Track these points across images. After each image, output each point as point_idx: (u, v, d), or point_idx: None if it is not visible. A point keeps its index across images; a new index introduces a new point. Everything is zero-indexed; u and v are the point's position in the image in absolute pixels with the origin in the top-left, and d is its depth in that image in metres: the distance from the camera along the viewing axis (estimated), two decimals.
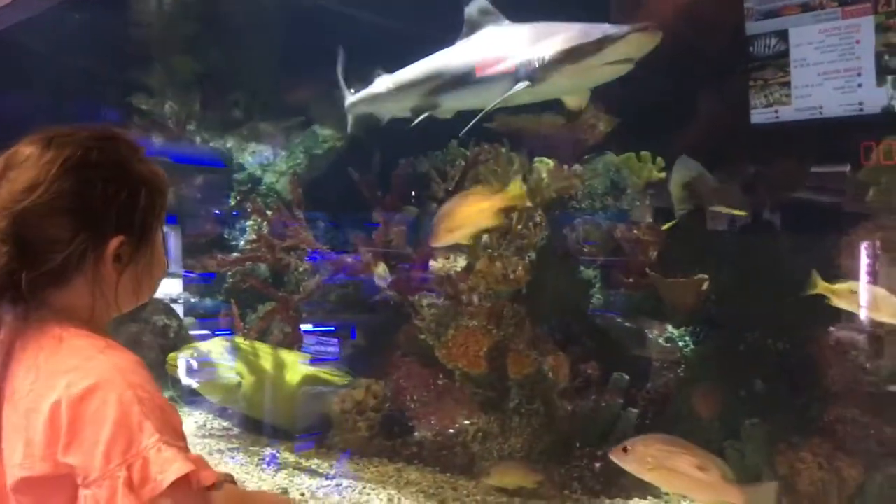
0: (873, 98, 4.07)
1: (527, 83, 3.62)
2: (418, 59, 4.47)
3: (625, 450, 2.85)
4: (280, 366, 4.65)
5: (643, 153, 4.37)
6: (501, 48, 3.88)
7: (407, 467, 4.22)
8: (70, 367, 1.28)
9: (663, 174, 4.34)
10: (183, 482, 1.19)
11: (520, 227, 4.05)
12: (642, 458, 2.81)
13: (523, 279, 3.92)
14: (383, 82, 4.73)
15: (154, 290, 1.58)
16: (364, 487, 3.96)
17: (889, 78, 4.03)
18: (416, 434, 4.33)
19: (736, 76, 4.47)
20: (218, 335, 4.99)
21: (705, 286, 4.08)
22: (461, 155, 4.26)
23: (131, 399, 1.23)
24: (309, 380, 4.64)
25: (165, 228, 1.57)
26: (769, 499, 2.83)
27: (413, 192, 4.59)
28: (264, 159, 5.66)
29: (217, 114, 5.76)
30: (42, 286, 1.35)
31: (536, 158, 4.35)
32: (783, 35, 4.32)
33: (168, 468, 1.19)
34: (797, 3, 4.30)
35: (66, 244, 1.34)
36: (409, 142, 5.39)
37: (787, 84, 4.31)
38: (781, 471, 3.54)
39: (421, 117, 4.26)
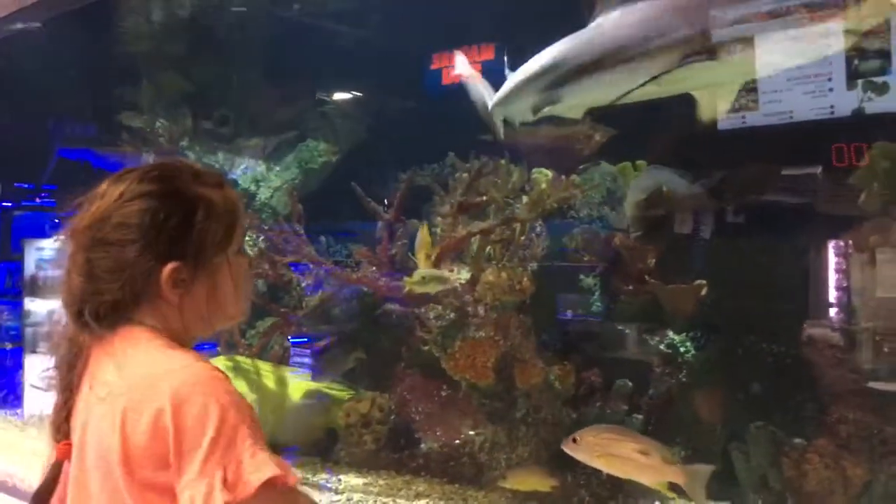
0: (844, 101, 4.18)
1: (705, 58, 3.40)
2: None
3: (574, 440, 3.12)
4: (282, 382, 4.65)
5: (638, 162, 4.43)
6: (660, 21, 3.58)
7: (415, 479, 4.24)
8: (168, 371, 1.35)
9: None
10: (271, 483, 1.27)
11: (522, 238, 4.10)
12: (590, 447, 3.10)
13: (529, 289, 3.96)
14: (518, 77, 4.46)
15: (230, 315, 1.59)
16: (375, 501, 3.98)
17: (859, 81, 4.14)
18: (422, 446, 4.35)
19: None
20: (202, 350, 4.97)
21: (704, 291, 4.16)
22: (463, 167, 4.28)
23: (228, 404, 1.30)
24: (312, 395, 4.65)
25: None
26: (704, 477, 3.13)
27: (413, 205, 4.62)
28: (258, 175, 5.66)
29: (208, 130, 5.75)
30: (115, 310, 1.43)
31: (535, 169, 4.40)
32: (750, 41, 4.42)
33: (262, 468, 1.27)
34: (765, 10, 4.40)
35: (127, 272, 1.42)
36: (401, 155, 5.45)
37: (755, 90, 4.40)
38: (788, 472, 3.60)
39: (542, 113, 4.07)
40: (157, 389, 1.31)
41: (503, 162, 4.29)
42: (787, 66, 4.21)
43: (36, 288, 6.83)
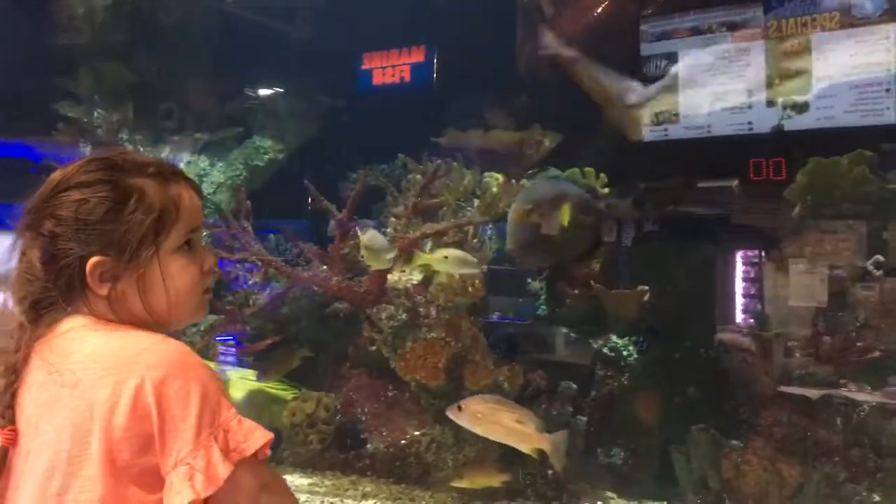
0: (763, 118, 4.38)
1: None
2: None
3: (459, 408, 3.32)
4: (224, 382, 4.57)
5: (587, 169, 4.53)
6: None
7: (361, 479, 4.24)
8: (140, 351, 1.32)
9: (607, 189, 4.51)
10: (261, 450, 1.30)
11: (475, 241, 4.15)
12: (473, 415, 3.31)
13: (480, 291, 4.01)
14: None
15: (167, 317, 1.49)
16: (322, 501, 3.95)
17: (779, 100, 4.34)
18: (368, 446, 4.34)
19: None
20: None
21: (646, 297, 4.29)
22: (417, 169, 4.31)
23: (206, 377, 1.30)
24: (255, 395, 4.59)
25: None
26: (563, 444, 3.42)
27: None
28: (200, 170, 5.54)
29: (150, 123, 5.60)
30: (47, 303, 1.41)
31: (486, 173, 4.46)
32: (673, 57, 4.60)
33: (252, 436, 1.28)
34: (687, 27, 4.58)
35: (68, 266, 1.39)
36: (348, 154, 5.45)
37: (676, 104, 4.58)
38: (727, 473, 3.75)
39: None
40: (131, 369, 1.29)
41: (456, 165, 4.33)
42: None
43: None
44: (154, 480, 1.28)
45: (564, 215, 3.63)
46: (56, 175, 1.44)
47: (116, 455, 1.28)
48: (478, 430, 3.38)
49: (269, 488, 1.36)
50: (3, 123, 6.63)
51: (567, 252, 4.11)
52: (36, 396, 1.37)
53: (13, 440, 1.38)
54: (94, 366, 1.32)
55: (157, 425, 1.26)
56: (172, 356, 1.32)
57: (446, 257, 3.77)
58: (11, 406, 1.39)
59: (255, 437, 1.29)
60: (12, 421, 1.39)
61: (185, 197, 1.48)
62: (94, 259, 1.38)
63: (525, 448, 3.38)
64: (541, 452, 3.37)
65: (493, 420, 3.31)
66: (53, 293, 1.39)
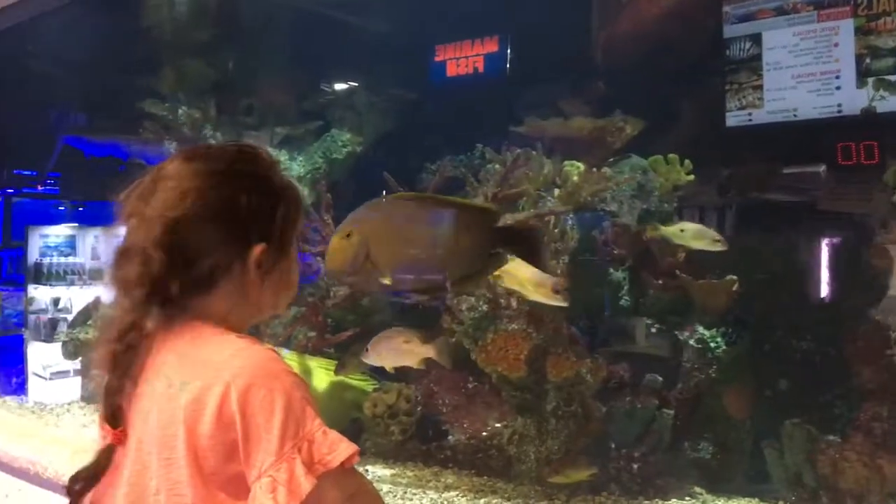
0: (853, 100, 4.18)
1: None
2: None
3: (367, 350, 3.82)
4: (307, 373, 4.61)
5: (671, 156, 4.42)
6: None
7: (443, 471, 4.23)
8: (227, 358, 1.33)
9: (691, 176, 4.39)
10: (347, 462, 1.29)
11: (555, 230, 4.08)
12: (377, 352, 3.81)
13: (562, 282, 3.93)
14: None
15: (291, 299, 1.62)
16: (404, 492, 3.95)
17: (869, 80, 4.14)
18: (450, 438, 4.34)
19: (714, 79, 4.61)
20: None
21: (736, 287, 4.16)
22: (496, 159, 4.26)
23: (291, 385, 1.30)
24: (336, 386, 4.62)
25: None
26: (445, 343, 3.84)
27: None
28: (281, 164, 5.62)
29: (231, 119, 5.72)
30: (190, 291, 1.41)
31: (566, 162, 4.39)
32: (757, 39, 4.43)
33: (336, 448, 1.28)
34: (772, 7, 4.40)
35: (215, 251, 1.41)
36: (426, 145, 5.45)
37: (760, 87, 4.42)
38: (823, 470, 3.60)
39: None
40: (218, 377, 1.30)
41: (535, 154, 4.27)
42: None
43: (40, 275, 6.78)
44: (241, 487, 1.28)
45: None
46: (190, 164, 1.45)
47: (203, 462, 1.29)
48: (386, 365, 3.94)
49: (357, 499, 1.35)
50: (90, 123, 6.88)
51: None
52: (143, 394, 1.39)
53: (122, 440, 1.40)
54: (182, 374, 1.34)
55: (242, 434, 1.27)
56: (258, 363, 1.32)
57: (683, 230, 3.73)
58: (121, 406, 1.40)
59: (340, 449, 1.29)
60: (122, 421, 1.39)
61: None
62: (260, 246, 1.43)
63: (416, 363, 3.81)
64: (430, 360, 3.81)
65: (390, 349, 3.77)
66: (173, 289, 1.38)
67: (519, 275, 3.46)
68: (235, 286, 1.44)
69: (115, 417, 1.39)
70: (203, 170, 1.44)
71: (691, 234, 3.93)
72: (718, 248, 3.92)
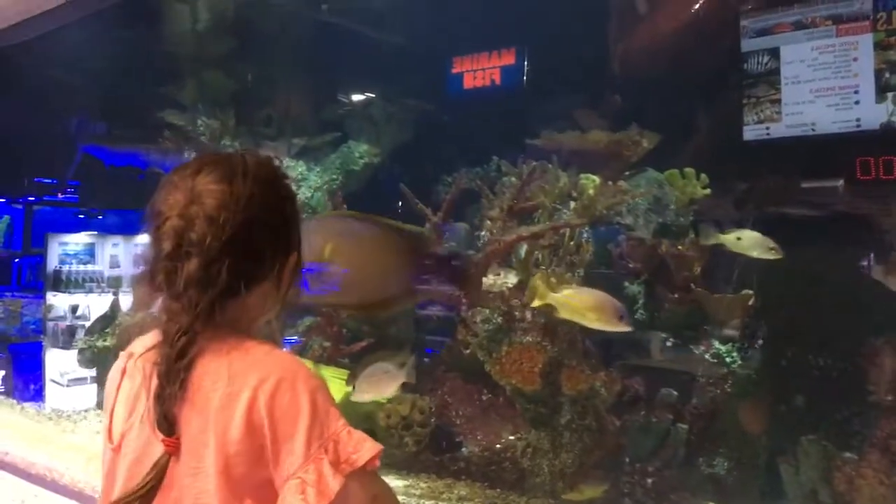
0: (872, 115, 4.16)
1: None
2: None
3: (353, 388, 3.92)
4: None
5: (687, 170, 4.42)
6: None
7: (456, 483, 4.22)
8: (250, 365, 1.33)
9: (707, 190, 4.38)
10: (370, 463, 1.29)
11: (571, 243, 4.08)
12: (362, 391, 3.91)
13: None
14: None
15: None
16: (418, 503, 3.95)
17: (889, 95, 4.12)
18: (463, 449, 4.33)
19: (732, 93, 4.60)
20: None
21: (751, 301, 4.14)
22: (512, 171, 4.27)
23: (315, 387, 1.31)
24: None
25: None
26: (410, 366, 3.91)
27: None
28: (297, 174, 5.66)
29: (250, 129, 5.76)
30: (230, 302, 1.39)
31: (582, 175, 4.39)
32: (775, 53, 4.42)
33: (361, 447, 1.29)
34: (790, 21, 4.39)
35: (268, 257, 1.42)
36: (443, 157, 5.47)
37: (778, 101, 4.41)
38: (839, 487, 3.57)
39: None
40: (245, 383, 1.30)
41: (551, 167, 4.28)
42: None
43: (59, 282, 6.82)
44: (269, 493, 1.29)
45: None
46: (222, 173, 1.40)
47: (232, 469, 1.29)
48: (373, 398, 4.04)
49: (379, 500, 1.36)
50: (110, 132, 6.95)
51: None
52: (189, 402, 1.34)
53: (175, 450, 1.33)
54: (212, 376, 1.33)
55: (270, 438, 1.28)
56: (283, 368, 1.33)
57: (739, 238, 3.71)
58: (171, 413, 1.33)
59: (365, 448, 1.30)
60: (173, 431, 1.33)
61: None
62: (294, 254, 1.46)
63: (396, 390, 3.99)
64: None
65: (373, 384, 3.87)
66: (233, 291, 1.36)
67: (573, 304, 3.39)
68: (264, 292, 1.44)
69: (169, 424, 1.33)
70: (246, 184, 1.40)
71: (748, 243, 3.87)
72: (772, 255, 3.84)
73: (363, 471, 1.29)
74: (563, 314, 3.49)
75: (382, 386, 3.90)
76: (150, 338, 1.44)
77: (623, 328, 3.40)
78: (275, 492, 1.29)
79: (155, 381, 1.35)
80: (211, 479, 1.29)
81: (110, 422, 1.46)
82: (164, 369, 1.35)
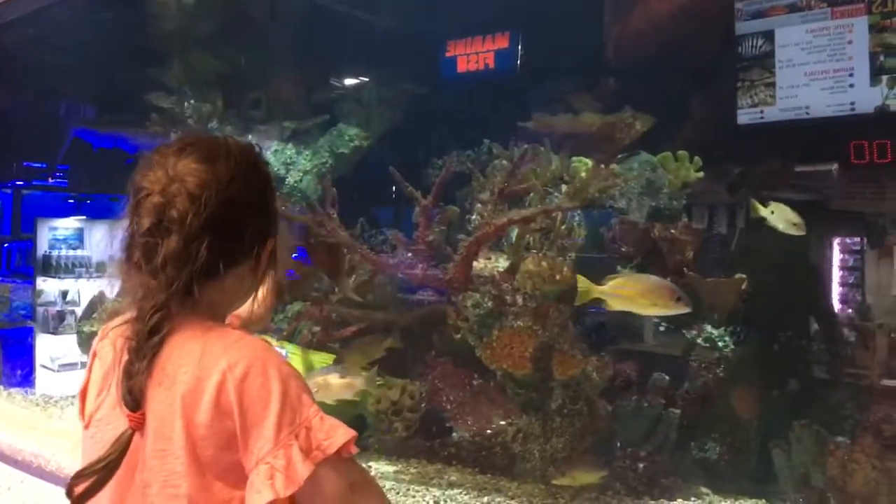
0: (866, 98, 4.13)
1: None
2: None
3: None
4: (311, 368, 4.58)
5: (680, 153, 4.37)
6: None
7: (447, 468, 4.20)
8: (221, 349, 1.29)
9: (700, 174, 4.34)
10: (344, 449, 1.25)
11: (563, 227, 4.04)
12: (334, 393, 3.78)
13: (569, 279, 3.89)
14: None
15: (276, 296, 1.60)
16: (408, 489, 3.92)
17: (884, 78, 4.09)
18: (454, 434, 4.30)
19: (726, 76, 4.56)
20: None
21: (745, 286, 4.11)
22: (504, 154, 4.22)
23: (287, 374, 1.28)
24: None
25: None
26: (372, 378, 3.95)
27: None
28: (286, 158, 5.60)
29: (238, 112, 5.69)
30: (208, 283, 1.36)
31: (574, 158, 4.34)
32: (769, 36, 4.38)
33: (334, 434, 1.25)
34: (785, 4, 4.35)
35: (248, 239, 1.39)
36: (433, 140, 5.42)
37: (773, 84, 4.37)
38: (832, 471, 3.55)
39: None
40: (214, 367, 1.27)
41: (543, 150, 4.23)
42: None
43: (48, 267, 6.78)
44: (239, 476, 1.26)
45: None
46: (206, 157, 1.38)
47: (201, 451, 1.27)
48: (326, 400, 3.75)
49: (359, 487, 1.31)
50: (99, 116, 6.86)
51: None
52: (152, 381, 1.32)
53: (140, 425, 1.31)
54: (180, 360, 1.30)
55: (239, 423, 1.25)
56: (254, 353, 1.29)
57: (773, 212, 3.64)
58: (137, 389, 1.31)
59: (338, 434, 1.26)
60: (140, 404, 1.31)
61: None
62: (272, 238, 1.43)
63: (353, 395, 3.87)
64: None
65: (327, 388, 3.74)
66: (212, 269, 1.33)
67: (625, 293, 3.28)
68: (241, 275, 1.41)
69: (135, 400, 1.30)
70: (238, 156, 1.40)
71: (778, 216, 3.74)
72: (795, 231, 3.73)
73: (338, 457, 1.25)
74: (615, 306, 3.36)
75: (338, 391, 3.81)
76: (125, 316, 1.40)
77: (682, 309, 3.27)
78: (245, 475, 1.25)
79: (125, 357, 1.33)
80: (180, 461, 1.27)
81: (82, 403, 1.44)
82: (135, 345, 1.33)
